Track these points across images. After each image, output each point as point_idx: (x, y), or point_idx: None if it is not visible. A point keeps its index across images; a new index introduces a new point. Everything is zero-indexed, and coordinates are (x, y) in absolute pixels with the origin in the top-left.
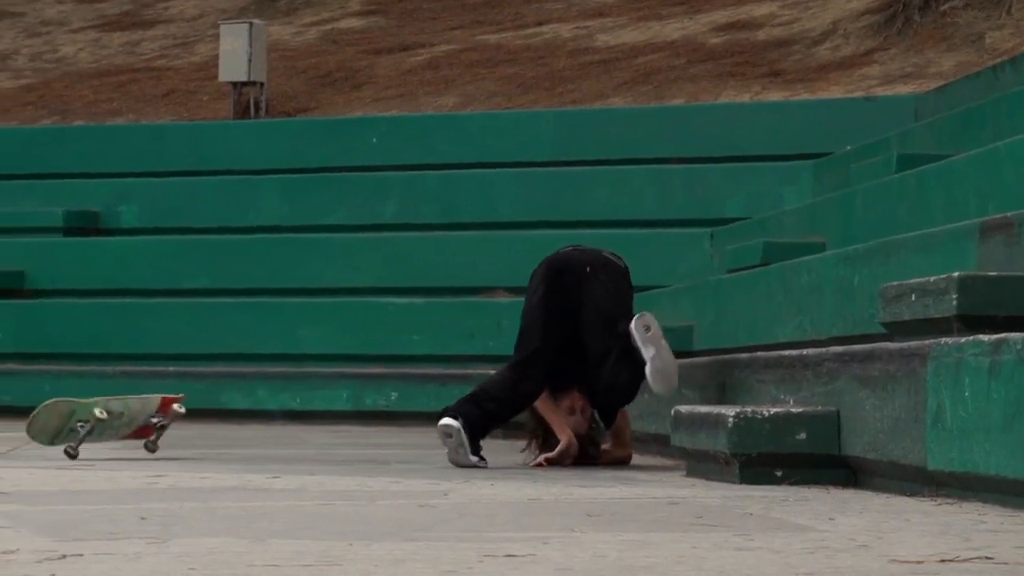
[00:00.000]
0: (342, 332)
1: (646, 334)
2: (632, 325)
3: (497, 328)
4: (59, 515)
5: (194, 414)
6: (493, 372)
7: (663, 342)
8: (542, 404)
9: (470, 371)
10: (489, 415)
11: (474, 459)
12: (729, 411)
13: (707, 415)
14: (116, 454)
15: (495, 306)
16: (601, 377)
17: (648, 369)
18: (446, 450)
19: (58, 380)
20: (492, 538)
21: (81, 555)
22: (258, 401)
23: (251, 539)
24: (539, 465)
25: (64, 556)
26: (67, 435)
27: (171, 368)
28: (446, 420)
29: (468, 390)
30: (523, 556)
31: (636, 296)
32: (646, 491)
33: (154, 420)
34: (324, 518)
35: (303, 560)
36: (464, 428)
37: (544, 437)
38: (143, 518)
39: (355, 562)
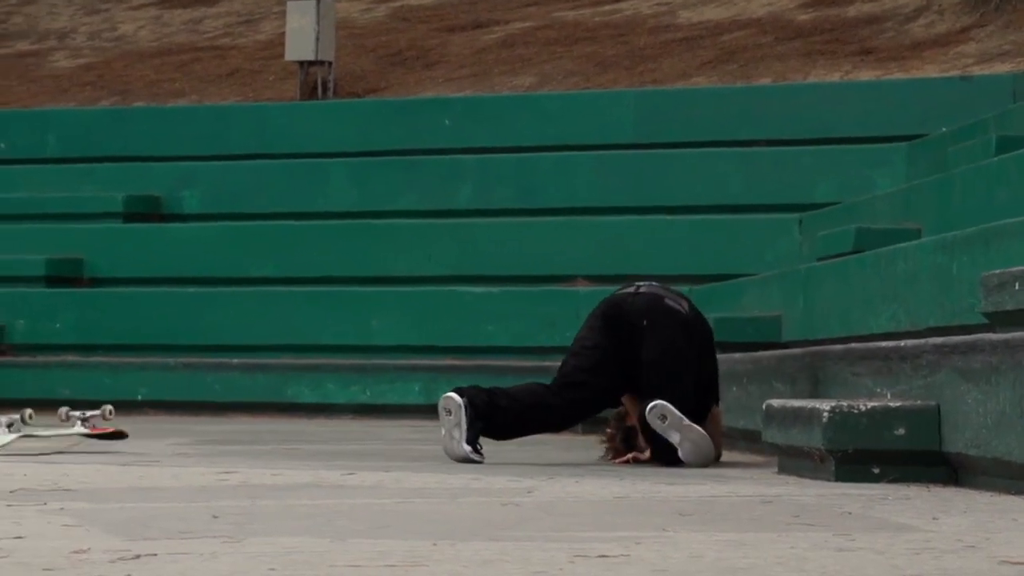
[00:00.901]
0: (414, 322)
1: (663, 424)
2: (648, 419)
3: (576, 318)
4: (128, 513)
5: (260, 408)
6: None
7: (684, 423)
8: (633, 408)
9: (548, 363)
10: (498, 410)
11: (467, 448)
12: (824, 405)
13: (800, 409)
14: (179, 449)
15: (574, 295)
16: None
17: (680, 454)
18: (441, 431)
19: (117, 373)
20: (582, 538)
21: (155, 555)
22: (327, 395)
23: (330, 538)
24: (625, 462)
25: (138, 556)
26: None
27: (235, 360)
28: (450, 393)
29: (547, 382)
30: (616, 557)
31: (721, 286)
32: (738, 489)
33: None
34: (404, 516)
35: (387, 560)
36: (465, 410)
37: (628, 437)
38: (215, 516)
39: (441, 562)
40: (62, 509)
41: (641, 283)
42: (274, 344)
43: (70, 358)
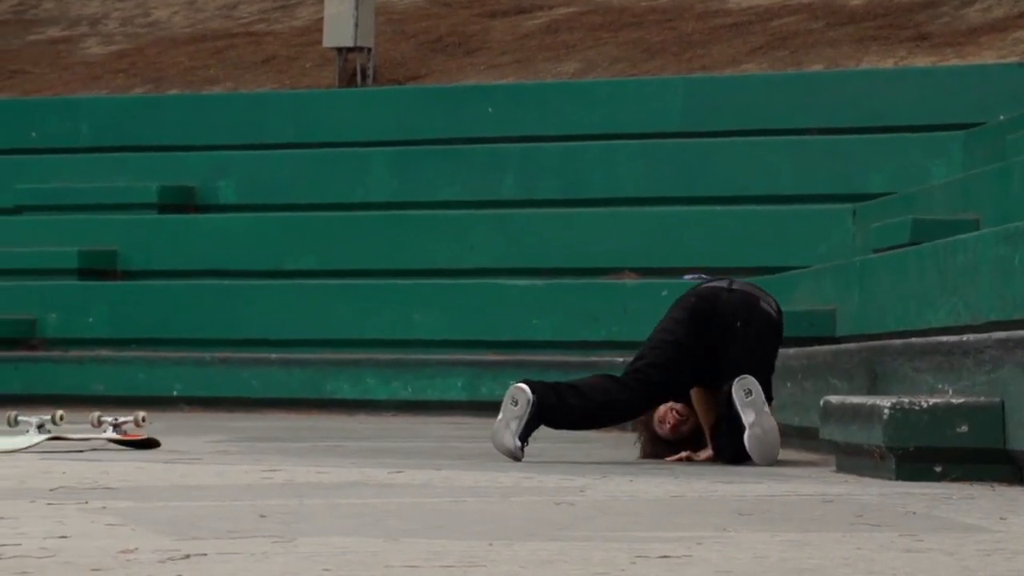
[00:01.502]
0: (457, 316)
1: (746, 399)
2: (732, 388)
3: (623, 312)
4: (174, 512)
5: (298, 404)
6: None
7: (765, 409)
8: (700, 402)
9: (594, 358)
10: (567, 408)
11: (517, 443)
12: (884, 402)
13: (860, 406)
14: (220, 447)
15: (621, 288)
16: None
17: (746, 435)
18: (498, 416)
19: (152, 368)
20: (641, 538)
21: (205, 554)
22: (367, 390)
23: (383, 538)
24: (679, 460)
25: (188, 556)
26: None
27: (273, 355)
28: (522, 386)
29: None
30: (678, 557)
31: (772, 278)
32: (797, 487)
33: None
34: (457, 516)
35: (443, 560)
36: (531, 407)
37: (654, 434)
38: (263, 515)
39: (498, 563)
40: (104, 508)
41: (729, 277)
42: (312, 338)
43: (103, 353)
